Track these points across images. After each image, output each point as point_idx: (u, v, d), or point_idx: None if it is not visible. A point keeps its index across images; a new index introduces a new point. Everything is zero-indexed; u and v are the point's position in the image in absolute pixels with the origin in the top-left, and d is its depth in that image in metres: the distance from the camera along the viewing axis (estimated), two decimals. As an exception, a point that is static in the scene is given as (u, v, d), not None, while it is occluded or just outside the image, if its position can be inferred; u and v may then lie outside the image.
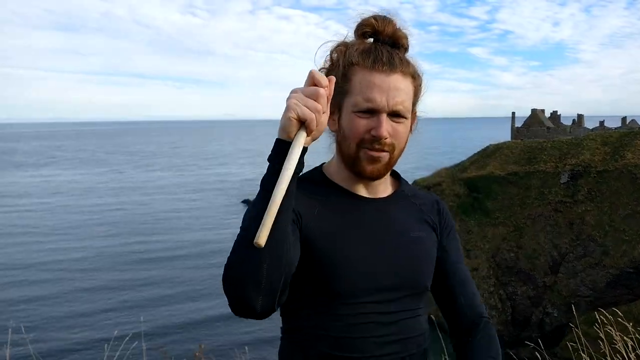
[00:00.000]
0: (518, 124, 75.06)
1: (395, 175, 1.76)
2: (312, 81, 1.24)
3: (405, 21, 1.60)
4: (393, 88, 1.50)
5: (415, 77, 1.58)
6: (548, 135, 67.79)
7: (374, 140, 1.51)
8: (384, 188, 1.68)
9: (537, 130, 70.65)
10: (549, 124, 73.08)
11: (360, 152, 1.54)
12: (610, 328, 5.19)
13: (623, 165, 56.55)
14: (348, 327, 1.48)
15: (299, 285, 1.48)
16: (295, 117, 1.21)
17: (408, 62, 1.56)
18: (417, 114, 1.66)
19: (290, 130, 1.22)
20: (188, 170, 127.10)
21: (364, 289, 1.50)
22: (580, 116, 74.86)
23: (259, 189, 1.31)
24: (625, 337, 4.95)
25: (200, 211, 77.96)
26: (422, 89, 1.62)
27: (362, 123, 1.52)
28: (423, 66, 1.60)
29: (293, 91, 1.24)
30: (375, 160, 1.54)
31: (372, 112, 1.51)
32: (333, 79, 1.27)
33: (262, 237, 1.12)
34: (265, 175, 1.29)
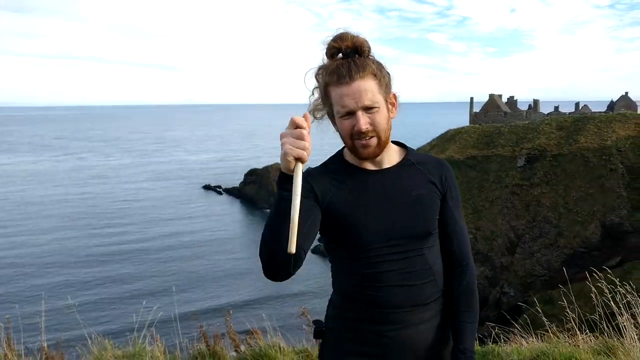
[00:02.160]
0: (476, 109, 76.42)
1: (403, 146, 2.27)
2: (294, 125, 1.76)
3: (358, 30, 2.09)
4: (357, 92, 2.00)
5: (376, 74, 2.04)
6: (505, 120, 69.16)
7: (360, 133, 2.02)
8: (389, 159, 2.17)
9: (495, 115, 72.06)
10: (506, 109, 74.54)
11: (354, 143, 2.06)
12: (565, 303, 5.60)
13: (577, 149, 58.42)
14: (367, 266, 2.04)
15: (331, 242, 2.12)
16: (293, 158, 1.74)
17: (364, 66, 2.03)
18: (395, 97, 2.14)
19: (290, 167, 1.75)
20: (148, 157, 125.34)
21: (374, 240, 2.03)
22: (536, 101, 76.59)
23: (274, 207, 1.89)
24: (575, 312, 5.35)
25: (163, 201, 77.10)
26: (386, 79, 2.08)
27: (347, 123, 2.05)
28: (385, 51, 2.12)
29: (283, 136, 1.76)
30: (366, 146, 2.05)
31: (350, 113, 2.03)
32: (308, 116, 1.81)
33: (292, 247, 1.65)
34: (278, 198, 1.86)
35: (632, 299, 4.94)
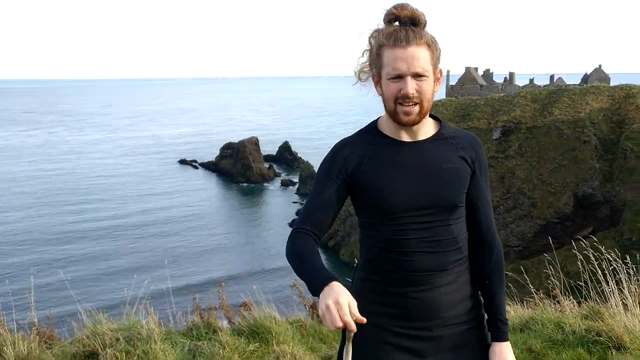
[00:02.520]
0: (452, 82, 76.72)
1: (438, 120, 2.31)
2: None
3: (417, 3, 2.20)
4: (411, 57, 2.07)
5: (430, 45, 2.12)
6: (481, 93, 69.49)
7: (405, 97, 2.08)
8: (424, 131, 2.23)
9: (471, 88, 72.41)
10: (482, 81, 74.89)
11: (397, 107, 2.12)
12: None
13: (551, 121, 59.24)
14: (394, 233, 2.14)
15: (361, 208, 2.24)
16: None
17: (421, 35, 2.11)
18: (441, 72, 2.20)
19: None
20: (122, 132, 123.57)
21: (403, 209, 2.13)
22: (511, 74, 77.15)
23: (306, 277, 2.03)
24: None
25: (139, 176, 76.27)
26: (438, 52, 2.15)
27: (394, 86, 2.10)
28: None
29: (327, 307, 1.82)
30: (408, 113, 2.11)
31: (400, 77, 2.09)
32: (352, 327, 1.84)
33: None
34: (306, 278, 2.03)
35: (617, 265, 5.09)
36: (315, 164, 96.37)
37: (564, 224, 52.52)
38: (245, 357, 4.84)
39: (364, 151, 2.21)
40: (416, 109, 2.11)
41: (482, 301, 2.30)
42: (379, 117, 2.30)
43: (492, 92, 69.82)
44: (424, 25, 2.17)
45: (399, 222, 2.14)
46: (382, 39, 2.12)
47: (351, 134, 2.31)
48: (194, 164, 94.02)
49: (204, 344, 4.94)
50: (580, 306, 5.17)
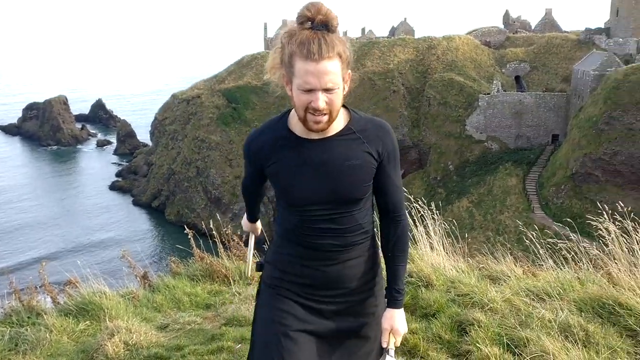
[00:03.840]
0: (270, 35, 77.02)
1: (348, 111, 2.40)
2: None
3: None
4: (322, 72, 2.12)
5: (341, 55, 2.18)
6: (298, 45, 70.31)
7: (315, 109, 2.18)
8: (334, 127, 2.33)
9: (289, 41, 73.21)
10: (299, 34, 75.84)
11: (307, 116, 2.22)
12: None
13: (364, 73, 62.65)
14: (302, 221, 2.38)
15: (275, 192, 2.44)
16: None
17: (334, 46, 2.14)
18: (350, 76, 2.29)
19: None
20: None
21: (308, 203, 2.34)
22: (326, 27, 79.39)
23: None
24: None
25: None
26: (349, 58, 2.22)
27: (304, 98, 2.18)
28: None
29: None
30: (317, 122, 2.23)
31: (310, 90, 2.16)
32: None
33: (251, 272, 2.47)
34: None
35: (424, 212, 5.69)
36: (133, 121, 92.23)
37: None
38: (76, 338, 4.68)
39: (272, 147, 2.37)
40: (325, 118, 2.22)
41: (383, 272, 2.53)
42: (289, 111, 2.41)
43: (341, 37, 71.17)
44: (335, 29, 2.18)
45: (304, 213, 2.35)
46: (295, 47, 2.14)
47: (262, 126, 2.45)
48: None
49: (27, 329, 4.67)
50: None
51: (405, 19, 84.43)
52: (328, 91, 2.15)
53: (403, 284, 2.50)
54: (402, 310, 2.49)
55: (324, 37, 2.12)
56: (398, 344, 2.48)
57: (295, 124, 2.34)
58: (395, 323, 2.45)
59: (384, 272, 2.52)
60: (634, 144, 43.95)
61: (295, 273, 2.41)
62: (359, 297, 2.44)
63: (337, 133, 2.33)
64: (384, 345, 2.46)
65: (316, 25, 2.14)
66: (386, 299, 2.50)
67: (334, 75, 2.13)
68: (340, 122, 2.34)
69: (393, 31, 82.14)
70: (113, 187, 72.17)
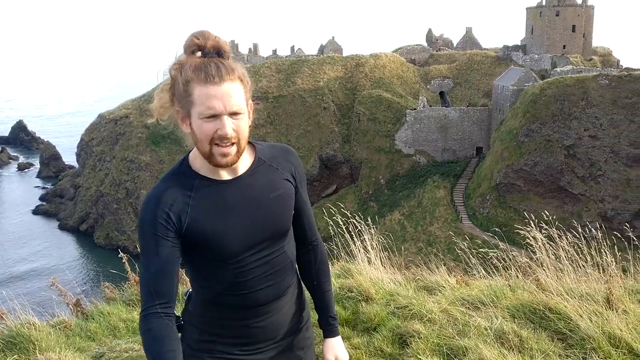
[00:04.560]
0: (199, 53, 76.23)
1: (251, 145, 2.21)
2: None
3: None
4: (226, 94, 1.95)
5: (242, 79, 2.03)
6: (228, 63, 70.18)
7: (222, 138, 1.96)
8: (243, 163, 2.14)
9: (217, 59, 72.89)
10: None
11: (213, 149, 1.98)
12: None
13: (294, 91, 63.14)
14: (235, 275, 2.10)
15: (196, 256, 2.10)
16: None
17: (233, 69, 1.99)
18: (253, 106, 2.12)
19: None
20: None
21: (240, 251, 2.08)
22: (255, 45, 79.62)
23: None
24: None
25: None
26: (249, 85, 2.07)
27: (209, 126, 1.96)
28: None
29: None
30: (225, 154, 1.99)
31: (215, 116, 1.95)
32: None
33: None
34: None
35: (362, 227, 5.77)
36: (58, 143, 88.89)
37: (312, 184, 56.79)
38: (4, 373, 4.43)
39: (185, 199, 2.05)
40: (233, 149, 2.00)
41: (307, 302, 2.43)
42: (187, 155, 2.15)
43: (238, 62, 70.94)
44: (229, 55, 2.03)
45: (239, 264, 2.10)
46: (190, 73, 1.95)
47: (162, 181, 2.11)
48: None
49: (-50, 367, 4.38)
50: (333, 266, 5.76)
51: (333, 37, 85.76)
52: (234, 115, 1.97)
53: (335, 311, 2.45)
54: (340, 337, 2.45)
55: (221, 61, 1.98)
56: None
57: (200, 165, 2.09)
58: (339, 353, 2.40)
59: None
60: (552, 154, 46.20)
61: (224, 334, 2.18)
62: (294, 336, 2.35)
63: (249, 168, 2.15)
64: None
65: (207, 53, 1.99)
66: (322, 330, 2.44)
67: (238, 98, 1.98)
68: (248, 158, 2.17)
69: (322, 49, 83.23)
70: (37, 211, 69.12)
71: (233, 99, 1.96)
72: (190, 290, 2.29)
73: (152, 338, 1.94)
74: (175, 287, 2.05)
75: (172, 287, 2.02)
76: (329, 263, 2.53)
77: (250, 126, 2.07)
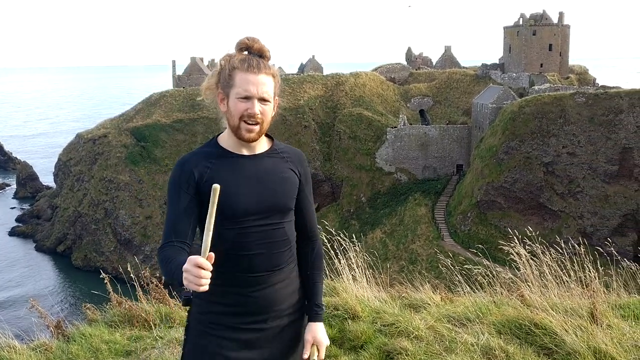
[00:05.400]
0: (179, 72, 76.26)
1: (271, 138, 2.68)
2: (196, 265, 2.07)
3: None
4: (261, 83, 2.46)
5: (275, 76, 2.54)
6: (208, 82, 70.14)
7: (250, 116, 2.45)
8: (261, 147, 2.61)
9: (198, 78, 72.93)
10: (209, 71, 75.75)
11: (241, 124, 2.47)
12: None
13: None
14: (237, 235, 2.46)
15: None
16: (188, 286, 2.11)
17: (269, 67, 2.52)
18: (278, 101, 2.61)
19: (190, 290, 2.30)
20: None
21: (246, 213, 2.46)
22: (235, 64, 79.84)
23: (170, 276, 2.27)
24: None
25: None
26: (279, 84, 2.57)
27: (242, 105, 2.46)
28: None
29: (185, 270, 2.10)
30: (250, 130, 2.48)
31: (248, 98, 2.45)
32: (212, 256, 2.12)
33: (206, 254, 2.11)
34: (172, 275, 2.26)
35: (346, 245, 5.77)
36: (35, 163, 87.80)
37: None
38: (-17, 398, 4.32)
39: (207, 164, 2.51)
40: (257, 128, 2.48)
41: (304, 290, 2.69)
42: (218, 135, 2.63)
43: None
44: (268, 59, 2.55)
45: (241, 225, 2.45)
46: (236, 62, 2.47)
47: (192, 152, 2.58)
48: None
49: None
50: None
51: (313, 56, 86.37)
52: (263, 101, 2.46)
53: (321, 300, 2.71)
54: (322, 324, 2.68)
55: (261, 59, 2.50)
56: (322, 357, 2.62)
57: (226, 142, 2.57)
58: (318, 335, 2.63)
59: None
60: (531, 171, 46.74)
61: (225, 303, 2.48)
62: (288, 319, 2.59)
63: (265, 151, 2.60)
64: (305, 357, 2.60)
65: (253, 53, 2.51)
66: (307, 315, 2.68)
67: (269, 87, 2.47)
68: (265, 145, 2.63)
69: (302, 68, 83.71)
70: (13, 233, 67.88)
71: (265, 87, 2.46)
72: None
73: (167, 256, 2.33)
74: (193, 231, 2.45)
75: (190, 229, 2.44)
76: (323, 260, 2.82)
77: (273, 116, 2.54)
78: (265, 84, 2.46)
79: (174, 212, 2.44)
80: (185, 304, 2.58)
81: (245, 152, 2.56)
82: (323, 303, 2.72)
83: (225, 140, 2.58)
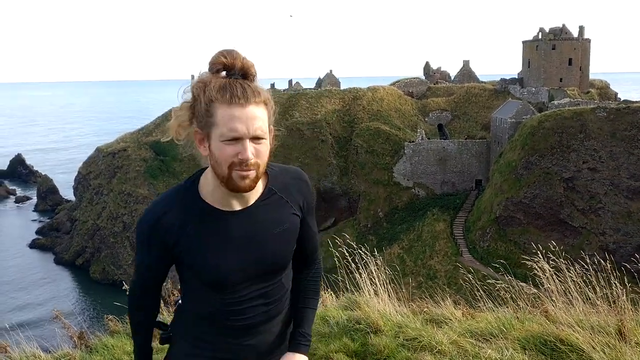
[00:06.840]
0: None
1: (264, 172, 2.09)
2: None
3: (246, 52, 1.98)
4: (251, 117, 1.88)
5: (267, 103, 1.97)
6: (227, 97, 70.76)
7: (242, 162, 1.89)
8: (254, 193, 2.07)
9: (217, 93, 73.37)
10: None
11: (232, 172, 1.91)
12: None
13: (293, 124, 63.51)
14: (229, 304, 2.08)
15: (188, 280, 2.12)
16: None
17: (259, 92, 1.93)
18: (274, 132, 2.07)
19: None
20: None
21: (236, 283, 2.06)
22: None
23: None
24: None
25: None
26: (273, 110, 2.02)
27: (230, 149, 1.88)
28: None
29: None
30: (244, 177, 1.92)
31: (237, 139, 1.88)
32: None
33: None
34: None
35: (368, 259, 5.75)
36: (55, 177, 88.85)
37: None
38: (8, 408, 4.36)
39: (184, 224, 2.02)
40: (253, 174, 1.93)
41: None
42: (198, 175, 2.09)
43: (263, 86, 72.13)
44: (254, 78, 1.96)
45: (233, 294, 2.07)
46: (214, 93, 1.87)
47: (166, 195, 2.09)
48: None
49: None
50: (339, 298, 5.71)
51: (330, 70, 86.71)
52: (256, 140, 1.90)
53: (310, 329, 2.30)
54: (303, 356, 2.25)
55: (247, 83, 1.92)
56: None
57: (208, 194, 2.04)
58: None
59: None
60: (551, 187, 46.27)
61: (219, 349, 2.14)
62: (283, 352, 2.26)
63: (259, 198, 2.09)
64: None
65: (233, 74, 1.92)
66: (288, 343, 2.29)
67: (262, 122, 1.90)
68: (259, 186, 2.09)
69: (319, 83, 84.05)
70: (33, 245, 68.68)
71: (257, 123, 1.89)
72: (180, 300, 2.25)
73: (138, 339, 2.33)
74: (157, 302, 2.26)
75: (157, 301, 2.24)
76: (320, 285, 2.45)
77: (271, 151, 2.01)
78: (256, 118, 1.89)
79: (143, 268, 2.19)
80: (162, 342, 2.28)
81: (236, 205, 2.05)
82: (310, 334, 2.30)
83: (210, 192, 2.04)
